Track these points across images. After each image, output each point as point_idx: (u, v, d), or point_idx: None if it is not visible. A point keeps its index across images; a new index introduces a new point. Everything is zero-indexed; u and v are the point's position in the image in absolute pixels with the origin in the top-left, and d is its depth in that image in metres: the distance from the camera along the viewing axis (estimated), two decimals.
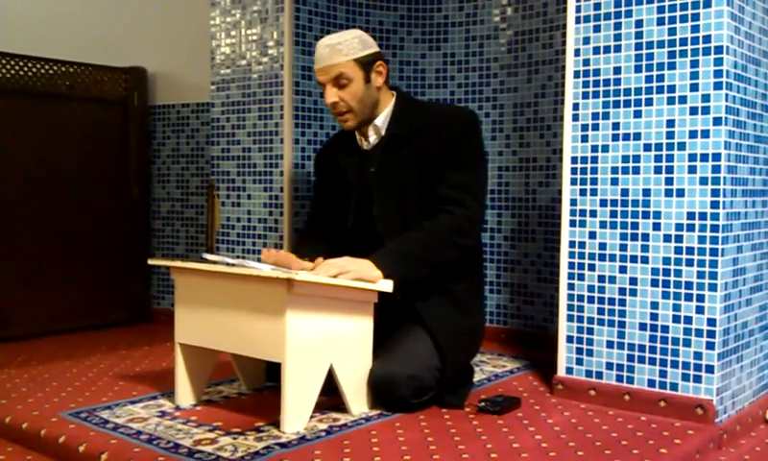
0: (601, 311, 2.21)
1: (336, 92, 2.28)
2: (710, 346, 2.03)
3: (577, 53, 2.24)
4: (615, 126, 2.18)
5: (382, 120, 2.36)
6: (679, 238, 2.08)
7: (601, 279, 2.21)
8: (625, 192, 2.16)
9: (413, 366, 2.10)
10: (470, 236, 2.27)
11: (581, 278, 2.24)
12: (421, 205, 2.27)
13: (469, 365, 2.38)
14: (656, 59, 2.11)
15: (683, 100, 2.07)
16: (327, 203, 2.51)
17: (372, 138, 2.39)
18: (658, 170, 2.11)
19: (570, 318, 2.26)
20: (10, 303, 3.29)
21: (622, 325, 2.17)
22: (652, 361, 2.12)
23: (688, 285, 2.06)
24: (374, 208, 2.33)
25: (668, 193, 2.09)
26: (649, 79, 2.12)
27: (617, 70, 2.17)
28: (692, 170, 2.05)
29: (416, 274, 2.17)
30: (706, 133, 2.03)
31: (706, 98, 2.03)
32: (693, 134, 2.05)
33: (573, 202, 2.26)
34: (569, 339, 2.27)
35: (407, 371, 2.08)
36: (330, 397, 2.09)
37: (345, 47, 2.28)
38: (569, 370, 2.27)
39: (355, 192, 2.38)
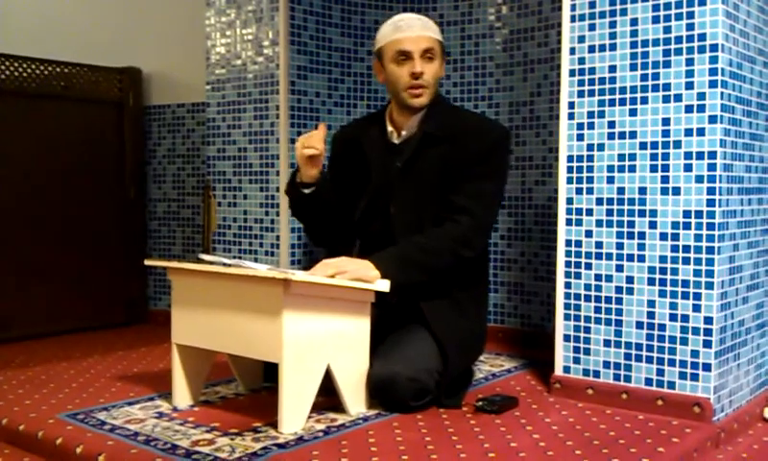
0: (598, 310, 2.21)
1: (423, 64, 2.23)
2: (707, 344, 2.03)
3: (572, 51, 2.24)
4: (611, 124, 2.18)
5: (419, 117, 2.31)
6: (675, 236, 2.08)
7: (598, 277, 2.21)
8: (621, 190, 2.16)
9: (414, 368, 2.08)
10: (474, 248, 2.23)
11: (577, 276, 2.24)
12: (437, 210, 2.24)
13: (469, 368, 2.37)
14: (651, 57, 2.11)
15: (678, 98, 2.07)
16: (340, 186, 2.41)
17: (404, 133, 2.33)
18: (653, 168, 2.11)
19: (567, 317, 2.26)
20: (6, 304, 3.28)
21: (619, 323, 2.17)
22: (649, 360, 2.12)
23: (685, 284, 2.06)
24: (392, 206, 2.29)
25: (664, 191, 2.09)
26: (644, 77, 2.12)
27: (613, 68, 2.17)
28: (688, 168, 2.06)
29: (413, 278, 2.16)
30: (701, 131, 2.03)
31: (701, 96, 2.03)
32: (689, 133, 2.05)
33: (569, 200, 2.26)
34: (566, 338, 2.27)
35: (408, 372, 2.06)
36: (328, 397, 2.09)
37: (432, 26, 2.27)
38: (567, 369, 2.27)
39: (375, 184, 2.32)
